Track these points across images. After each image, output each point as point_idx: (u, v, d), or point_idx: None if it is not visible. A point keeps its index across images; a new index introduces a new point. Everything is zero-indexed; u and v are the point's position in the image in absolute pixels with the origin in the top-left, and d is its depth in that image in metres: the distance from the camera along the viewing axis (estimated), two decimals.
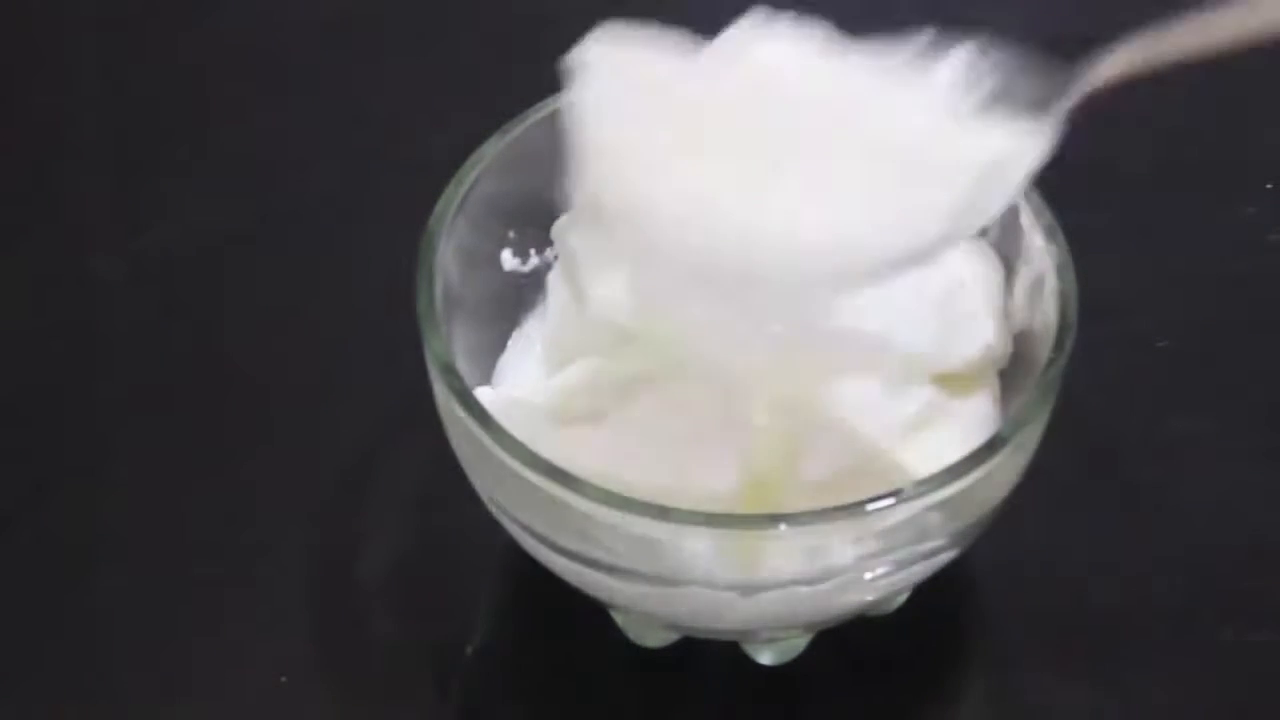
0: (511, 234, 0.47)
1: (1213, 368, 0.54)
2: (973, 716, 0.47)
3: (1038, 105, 0.39)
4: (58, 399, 0.54)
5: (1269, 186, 0.59)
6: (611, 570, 0.40)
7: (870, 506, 0.39)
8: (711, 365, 0.42)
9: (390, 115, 0.63)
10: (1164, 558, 0.49)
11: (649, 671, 0.46)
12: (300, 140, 0.62)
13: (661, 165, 0.39)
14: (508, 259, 0.48)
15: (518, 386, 0.47)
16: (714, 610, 0.41)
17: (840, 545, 0.39)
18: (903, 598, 0.46)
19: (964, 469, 0.39)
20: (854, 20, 0.41)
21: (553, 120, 0.47)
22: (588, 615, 0.46)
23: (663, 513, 0.38)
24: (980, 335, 0.44)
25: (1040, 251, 0.44)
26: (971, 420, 0.44)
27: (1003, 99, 0.40)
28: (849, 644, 0.46)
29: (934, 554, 0.42)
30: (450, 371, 0.41)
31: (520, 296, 0.49)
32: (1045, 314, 0.43)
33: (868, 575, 0.40)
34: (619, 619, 0.46)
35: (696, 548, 0.39)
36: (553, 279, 0.47)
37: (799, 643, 0.46)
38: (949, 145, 0.39)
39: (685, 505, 0.38)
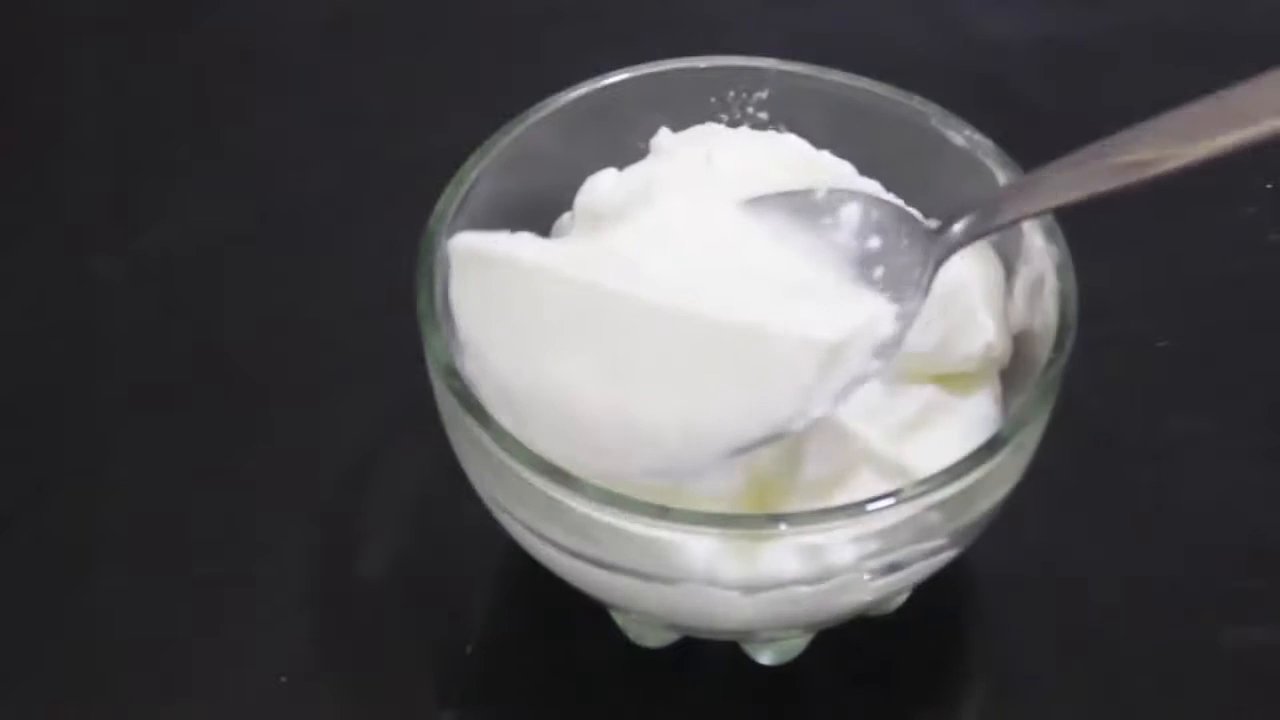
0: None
1: (1213, 368, 0.54)
2: (973, 717, 0.47)
3: (908, 270, 0.41)
4: (58, 399, 0.54)
5: (1269, 186, 0.59)
6: (611, 570, 0.40)
7: (870, 506, 0.39)
8: None
9: (390, 115, 0.63)
10: (1164, 558, 0.49)
11: (649, 671, 0.46)
12: (300, 140, 0.62)
13: (524, 356, 0.41)
14: None
15: None
16: (714, 610, 0.41)
17: (840, 545, 0.39)
18: (903, 598, 0.46)
19: (964, 469, 0.39)
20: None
21: (553, 120, 0.47)
22: (588, 615, 0.46)
23: (663, 513, 0.38)
24: (981, 335, 0.44)
25: (1040, 251, 0.44)
26: (972, 420, 0.44)
27: (879, 260, 0.41)
28: (849, 644, 0.46)
29: (934, 554, 0.42)
30: (450, 372, 0.41)
31: None
32: (1045, 314, 0.43)
33: (868, 575, 0.40)
34: (619, 619, 0.46)
35: (697, 548, 0.39)
36: None
37: (799, 643, 0.46)
38: (808, 323, 0.40)
39: (686, 505, 0.39)
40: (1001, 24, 0.67)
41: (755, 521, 0.40)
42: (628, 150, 0.46)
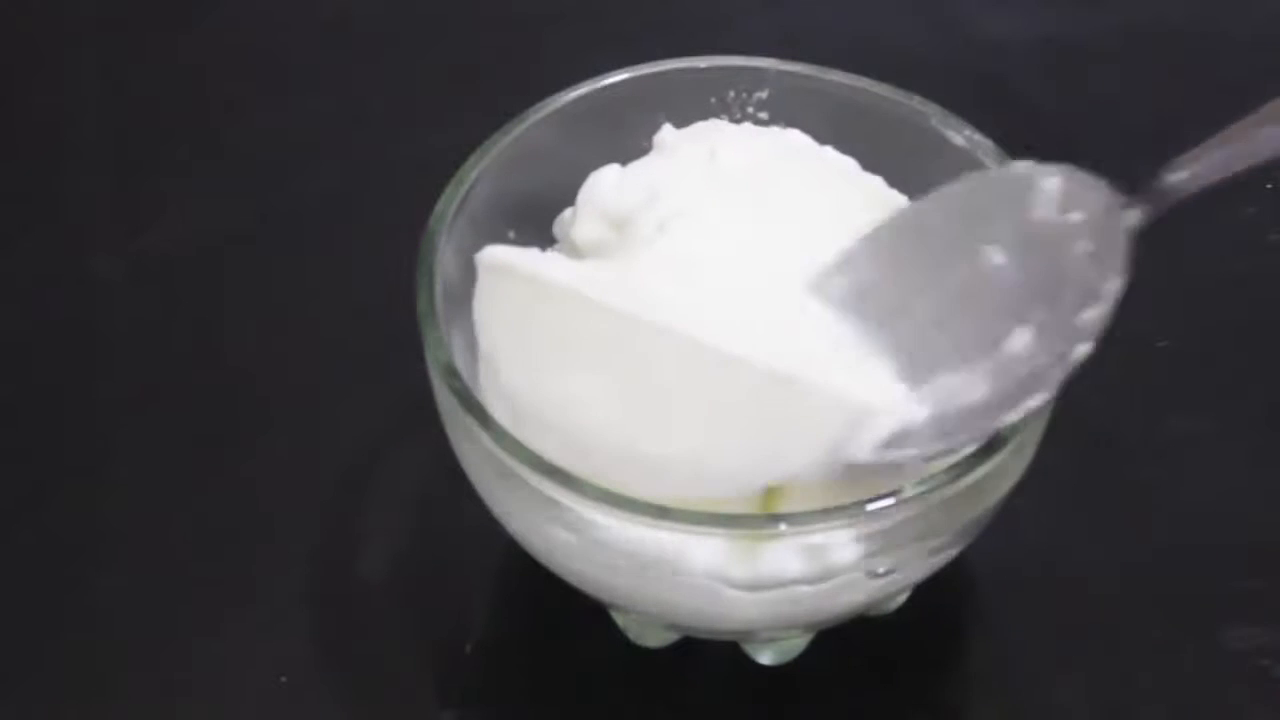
0: (512, 234, 0.47)
1: (1213, 368, 0.54)
2: (973, 717, 0.47)
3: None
4: (58, 399, 0.54)
5: (1269, 186, 0.59)
6: (612, 570, 0.40)
7: (870, 506, 0.39)
8: None
9: (390, 115, 0.63)
10: (1164, 557, 0.49)
11: (649, 671, 0.46)
12: (300, 140, 0.62)
13: (541, 374, 0.41)
14: None
15: None
16: (714, 610, 0.41)
17: (841, 545, 0.39)
18: (903, 598, 0.46)
19: (964, 469, 0.39)
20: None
21: (553, 120, 0.47)
22: (587, 615, 0.46)
23: (663, 513, 0.38)
24: None
25: None
26: None
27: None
28: (849, 644, 0.45)
29: (934, 554, 0.42)
30: (450, 371, 0.41)
31: None
32: None
33: (868, 575, 0.40)
34: (619, 619, 0.46)
35: (697, 548, 0.39)
36: None
37: (799, 643, 0.46)
38: (844, 382, 0.40)
39: (686, 505, 0.39)
40: (1001, 24, 0.67)
41: (756, 521, 0.40)
42: (628, 150, 0.46)
